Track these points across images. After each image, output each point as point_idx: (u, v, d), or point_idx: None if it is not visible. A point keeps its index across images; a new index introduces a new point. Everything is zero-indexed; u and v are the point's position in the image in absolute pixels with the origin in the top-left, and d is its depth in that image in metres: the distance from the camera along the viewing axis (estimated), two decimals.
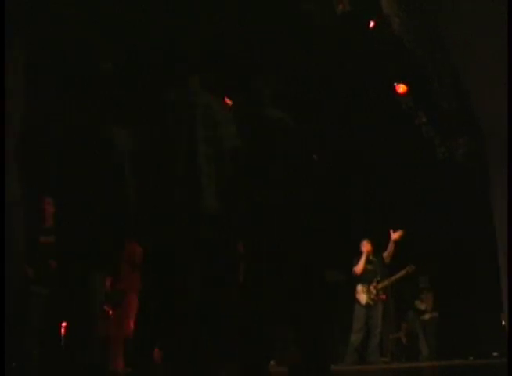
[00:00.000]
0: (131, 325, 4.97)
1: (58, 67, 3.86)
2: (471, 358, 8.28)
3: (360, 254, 8.14)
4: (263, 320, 3.84)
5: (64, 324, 3.83)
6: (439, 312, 8.94)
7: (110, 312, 7.89)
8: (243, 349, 3.81)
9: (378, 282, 8.08)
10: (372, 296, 8.01)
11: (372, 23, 7.61)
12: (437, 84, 7.29)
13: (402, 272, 8.33)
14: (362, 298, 8.00)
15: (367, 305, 7.96)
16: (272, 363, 9.17)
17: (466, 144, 8.59)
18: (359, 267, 8.07)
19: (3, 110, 3.60)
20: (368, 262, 8.09)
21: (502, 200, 8.55)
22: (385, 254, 8.10)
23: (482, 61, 7.09)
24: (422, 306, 9.04)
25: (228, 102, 4.47)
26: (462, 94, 7.80)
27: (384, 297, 8.09)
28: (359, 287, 8.06)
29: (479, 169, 8.74)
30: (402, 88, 7.91)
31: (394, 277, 8.29)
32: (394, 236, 7.98)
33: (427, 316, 8.84)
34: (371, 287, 8.04)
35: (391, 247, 8.06)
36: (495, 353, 8.48)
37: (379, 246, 8.20)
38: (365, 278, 8.06)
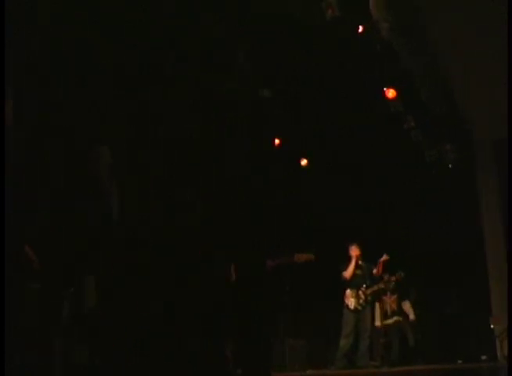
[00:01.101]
0: None
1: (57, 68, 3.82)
2: (460, 361, 8.29)
3: (349, 259, 8.13)
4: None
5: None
6: (426, 314, 8.91)
7: None
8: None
9: (367, 287, 8.08)
10: (360, 301, 8.01)
11: (361, 28, 7.63)
12: (426, 89, 7.33)
13: (392, 279, 8.35)
14: (351, 302, 7.99)
15: (355, 310, 7.96)
16: None
17: (454, 149, 8.64)
18: (348, 272, 8.06)
19: (3, 109, 3.55)
20: (357, 266, 8.09)
21: (491, 202, 8.65)
22: (374, 271, 8.13)
23: (471, 65, 7.17)
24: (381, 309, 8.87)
25: None
26: (451, 98, 7.87)
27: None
28: (348, 292, 8.05)
29: (467, 171, 8.82)
30: (391, 93, 7.93)
31: (383, 283, 8.31)
32: (383, 258, 8.05)
33: (389, 321, 8.73)
34: (360, 292, 8.04)
35: (380, 266, 8.11)
36: (483, 357, 8.49)
37: (368, 250, 8.21)
38: (354, 283, 8.05)
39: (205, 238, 3.99)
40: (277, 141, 8.49)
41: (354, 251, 8.11)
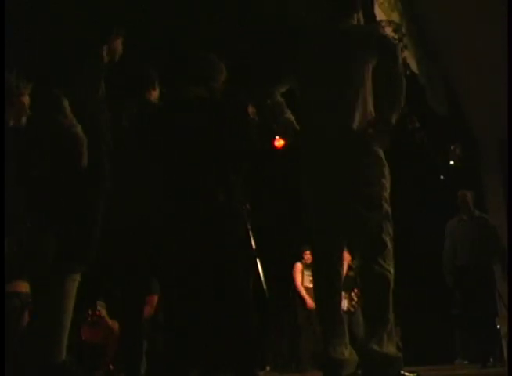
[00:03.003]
0: None
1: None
2: (466, 362, 8.26)
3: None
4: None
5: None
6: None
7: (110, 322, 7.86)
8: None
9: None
10: (353, 302, 8.03)
11: None
12: (429, 89, 7.34)
13: None
14: (343, 303, 7.98)
15: (348, 311, 7.96)
16: (267, 368, 9.17)
17: (458, 149, 8.63)
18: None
19: (3, 110, 3.58)
20: (349, 268, 8.06)
21: (495, 202, 8.62)
22: None
23: (472, 65, 7.17)
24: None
25: None
26: (455, 98, 7.87)
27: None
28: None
29: (471, 171, 8.80)
30: None
31: None
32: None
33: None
34: (352, 294, 8.05)
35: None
36: (490, 358, 8.40)
37: None
38: (347, 285, 8.01)
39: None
40: (282, 142, 8.49)
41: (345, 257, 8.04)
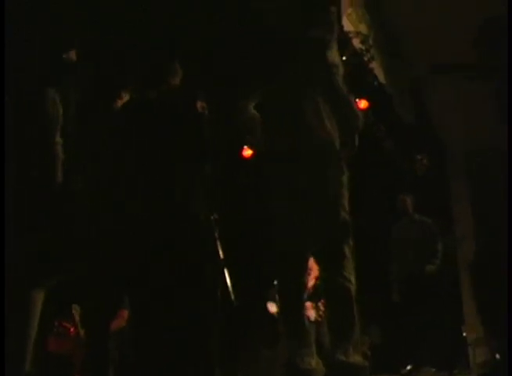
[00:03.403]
0: None
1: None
2: (433, 370, 8.29)
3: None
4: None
5: None
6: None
7: (72, 329, 7.77)
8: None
9: None
10: (320, 312, 8.03)
11: None
12: (397, 97, 7.42)
13: None
14: (311, 314, 7.97)
15: (315, 322, 7.95)
16: None
17: (425, 159, 8.71)
18: (308, 285, 7.99)
19: (3, 109, 3.54)
20: (317, 278, 8.05)
21: (463, 211, 8.69)
22: None
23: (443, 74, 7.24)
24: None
25: None
26: (422, 107, 7.95)
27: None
28: (308, 304, 7.96)
29: (439, 180, 8.88)
30: (363, 104, 7.99)
31: None
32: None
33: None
34: (319, 303, 8.06)
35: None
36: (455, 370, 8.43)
37: None
38: (315, 294, 8.00)
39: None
40: (250, 152, 8.55)
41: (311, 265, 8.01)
